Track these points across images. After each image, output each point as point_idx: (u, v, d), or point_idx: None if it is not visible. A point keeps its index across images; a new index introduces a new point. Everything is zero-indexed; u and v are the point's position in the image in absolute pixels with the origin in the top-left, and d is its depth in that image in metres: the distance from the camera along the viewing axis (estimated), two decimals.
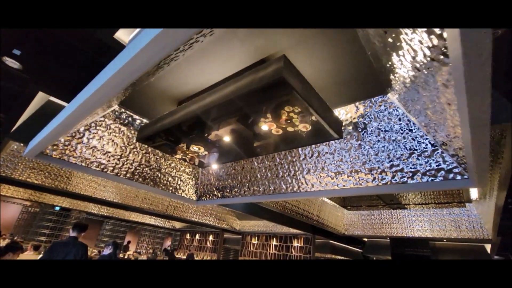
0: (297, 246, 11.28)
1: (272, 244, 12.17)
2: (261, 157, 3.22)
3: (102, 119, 2.90)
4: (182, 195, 3.87)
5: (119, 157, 3.09)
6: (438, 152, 2.08)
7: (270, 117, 2.07)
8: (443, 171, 2.06)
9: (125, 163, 3.15)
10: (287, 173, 2.97)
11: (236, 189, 3.55)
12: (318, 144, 2.75)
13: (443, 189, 2.29)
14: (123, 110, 3.02)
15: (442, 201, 8.17)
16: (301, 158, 2.87)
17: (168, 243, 18.90)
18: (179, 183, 3.79)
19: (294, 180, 2.91)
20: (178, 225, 15.88)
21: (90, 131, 2.86)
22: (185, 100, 2.71)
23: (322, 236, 11.42)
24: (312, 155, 2.77)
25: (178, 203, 10.62)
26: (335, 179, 2.62)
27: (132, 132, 3.16)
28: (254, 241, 12.92)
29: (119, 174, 3.11)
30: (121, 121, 3.05)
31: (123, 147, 3.13)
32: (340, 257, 14.60)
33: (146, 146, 3.30)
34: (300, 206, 7.88)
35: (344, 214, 10.33)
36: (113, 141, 3.03)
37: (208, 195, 3.95)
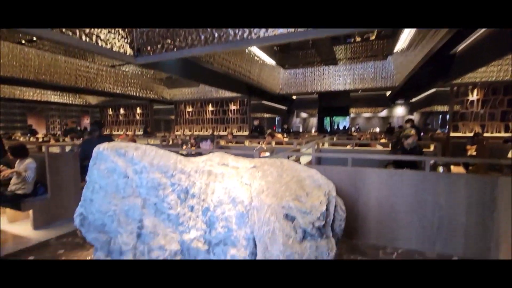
0: (234, 109, 11.57)
1: (208, 110, 12.12)
2: None
3: None
4: (114, 49, 2.71)
5: None
6: None
7: None
8: None
9: None
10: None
11: (194, 36, 2.61)
12: None
13: None
14: None
15: (369, 55, 8.87)
16: None
17: (86, 121, 16.92)
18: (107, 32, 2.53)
19: None
20: (94, 100, 13.73)
21: None
22: None
23: (257, 98, 11.83)
24: None
25: (89, 73, 8.52)
26: None
27: None
28: (189, 109, 12.57)
29: None
30: None
31: None
32: (269, 115, 16.24)
33: None
34: (243, 66, 7.32)
35: (281, 73, 10.43)
36: None
37: (151, 47, 2.89)
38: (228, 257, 1.76)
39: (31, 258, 2.54)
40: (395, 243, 2.75)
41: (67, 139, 6.84)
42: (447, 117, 9.74)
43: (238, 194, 1.72)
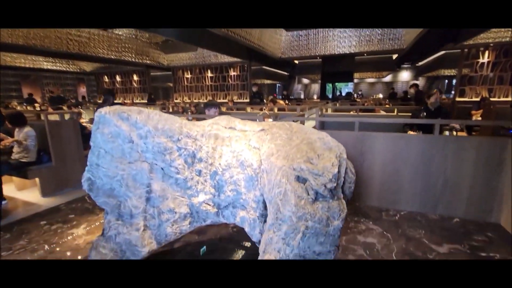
0: (234, 75, 11.18)
1: (208, 76, 11.72)
2: None
3: None
4: None
5: None
6: None
7: None
8: None
9: None
10: None
11: None
12: None
13: None
14: None
15: None
16: None
17: (82, 90, 16.51)
18: None
19: None
20: (88, 67, 13.25)
21: None
22: None
23: (258, 63, 11.36)
24: None
25: (81, 36, 8.08)
26: None
27: None
28: (187, 75, 12.15)
29: None
30: None
31: None
32: (270, 82, 15.77)
33: None
34: (243, 28, 6.89)
35: (283, 36, 9.87)
36: None
37: None
38: (238, 219, 1.79)
39: (43, 222, 2.60)
40: (397, 206, 2.81)
41: (65, 107, 6.69)
42: (453, 82, 9.46)
43: (246, 157, 1.69)
